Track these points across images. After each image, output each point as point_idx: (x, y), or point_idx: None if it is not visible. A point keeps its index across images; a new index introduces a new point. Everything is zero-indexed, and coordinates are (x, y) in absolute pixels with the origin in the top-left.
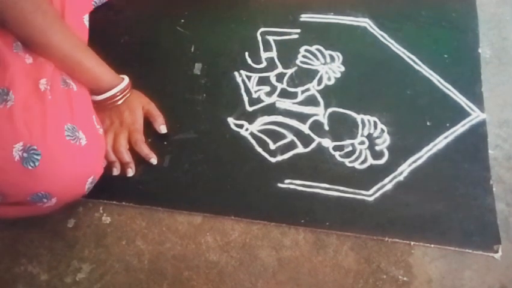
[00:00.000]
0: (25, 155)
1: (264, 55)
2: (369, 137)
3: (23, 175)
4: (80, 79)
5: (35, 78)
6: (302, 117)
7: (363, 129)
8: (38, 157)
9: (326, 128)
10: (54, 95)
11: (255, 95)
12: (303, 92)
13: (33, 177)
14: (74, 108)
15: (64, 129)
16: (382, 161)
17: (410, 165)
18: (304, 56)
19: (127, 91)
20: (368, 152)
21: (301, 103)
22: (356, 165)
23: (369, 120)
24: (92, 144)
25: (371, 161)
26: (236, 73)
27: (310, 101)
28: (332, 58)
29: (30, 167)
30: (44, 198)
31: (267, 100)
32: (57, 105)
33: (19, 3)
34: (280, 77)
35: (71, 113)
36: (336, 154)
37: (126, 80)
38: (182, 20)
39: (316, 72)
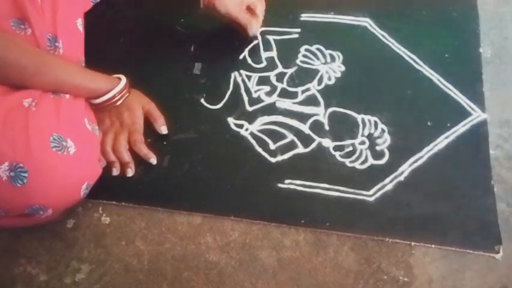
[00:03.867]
0: (12, 174)
1: (264, 55)
2: (370, 137)
3: (14, 193)
4: (76, 95)
5: (19, 97)
6: (302, 117)
7: (363, 129)
8: (26, 174)
9: (326, 128)
10: (39, 106)
11: (255, 95)
12: (303, 91)
13: (25, 194)
14: (62, 116)
15: (49, 141)
16: (383, 161)
17: (410, 165)
18: (304, 56)
19: (124, 91)
20: (368, 152)
21: (301, 103)
22: (357, 165)
23: (369, 120)
24: (82, 151)
25: (371, 161)
26: (236, 73)
27: (311, 101)
28: (332, 58)
29: (19, 185)
30: (40, 211)
31: (267, 100)
32: (42, 116)
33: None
34: (280, 77)
35: (58, 122)
36: (337, 154)
37: (123, 80)
38: (182, 20)
39: (316, 71)
